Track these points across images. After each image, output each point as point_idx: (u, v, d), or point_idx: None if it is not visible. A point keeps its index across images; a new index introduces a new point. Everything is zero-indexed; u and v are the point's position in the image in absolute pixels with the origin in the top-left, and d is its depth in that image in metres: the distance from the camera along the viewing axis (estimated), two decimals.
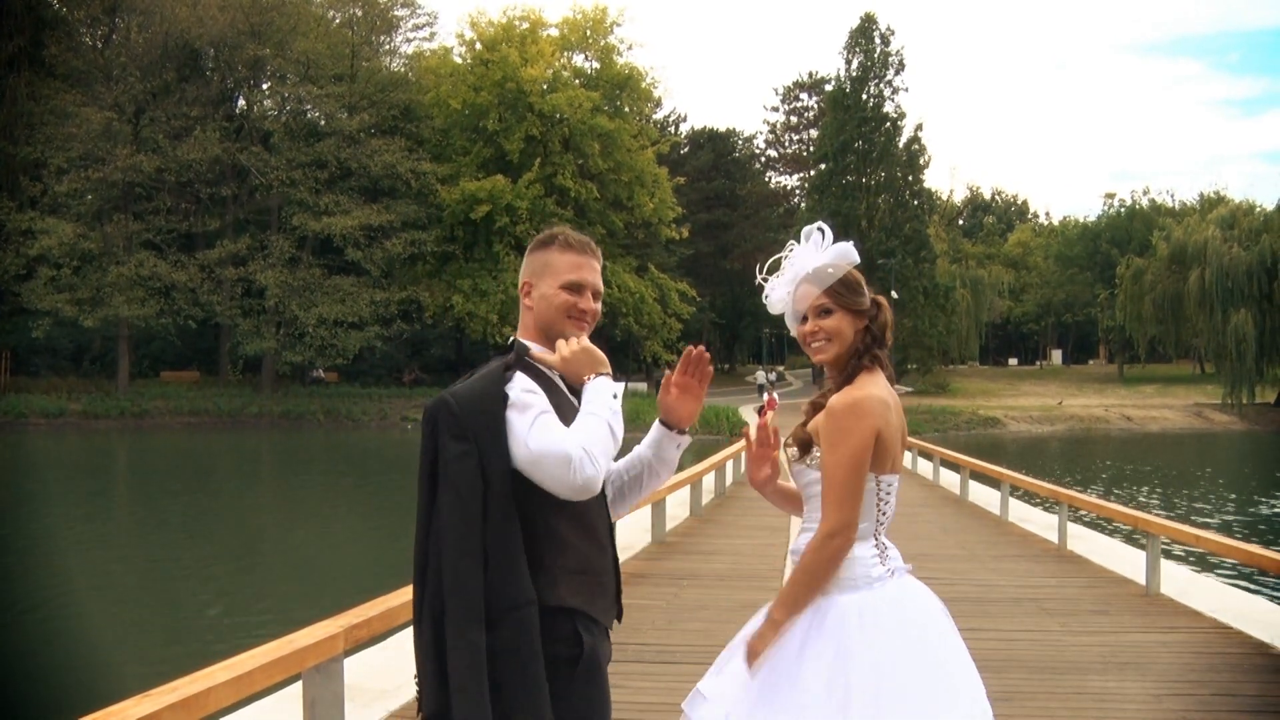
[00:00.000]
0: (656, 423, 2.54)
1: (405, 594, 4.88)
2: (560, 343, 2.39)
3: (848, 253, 2.67)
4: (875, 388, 2.54)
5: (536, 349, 2.41)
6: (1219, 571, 11.80)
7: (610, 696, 2.41)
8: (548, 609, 2.23)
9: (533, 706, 2.16)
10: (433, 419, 2.25)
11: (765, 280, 2.76)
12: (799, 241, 2.72)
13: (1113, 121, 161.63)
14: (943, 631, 2.53)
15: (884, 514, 2.57)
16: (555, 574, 2.27)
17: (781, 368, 75.83)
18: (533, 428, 2.19)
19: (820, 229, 2.69)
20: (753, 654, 2.52)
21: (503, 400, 2.22)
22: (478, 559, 2.18)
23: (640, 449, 2.57)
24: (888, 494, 2.57)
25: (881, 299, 2.71)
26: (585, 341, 2.39)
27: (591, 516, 2.38)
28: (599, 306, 2.50)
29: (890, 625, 2.44)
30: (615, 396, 2.28)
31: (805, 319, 2.67)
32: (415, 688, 2.34)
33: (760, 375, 62.38)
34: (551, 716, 2.18)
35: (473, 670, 2.14)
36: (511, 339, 2.47)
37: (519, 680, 2.16)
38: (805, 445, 2.64)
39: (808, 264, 2.66)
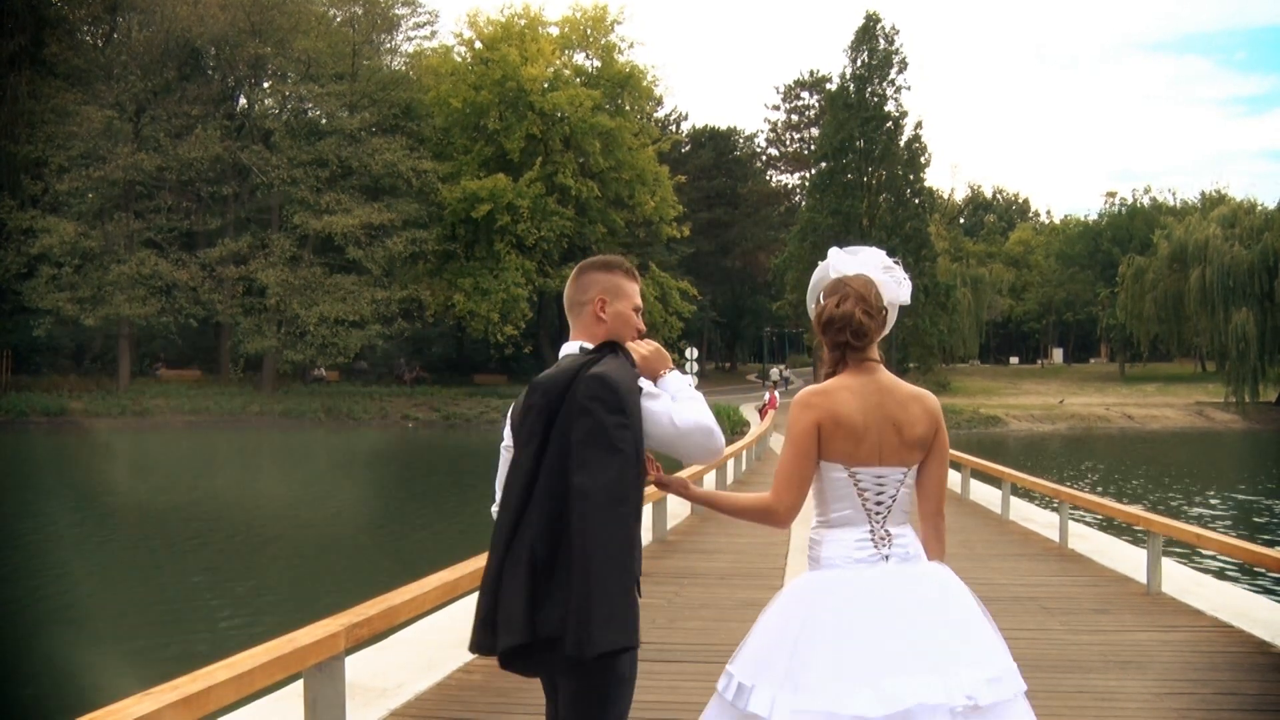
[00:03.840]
0: None
1: (406, 593, 4.88)
2: (632, 344, 2.76)
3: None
4: (830, 384, 2.74)
5: None
6: (1220, 569, 11.80)
7: None
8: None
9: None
10: (592, 393, 2.51)
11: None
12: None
13: (1116, 120, 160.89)
14: (954, 609, 2.62)
15: (876, 505, 2.69)
16: None
17: (782, 366, 75.86)
18: (675, 409, 2.59)
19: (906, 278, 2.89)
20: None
21: (639, 389, 2.60)
22: (630, 512, 2.51)
23: None
24: (873, 487, 2.69)
25: None
26: (655, 343, 2.75)
27: None
28: None
29: (869, 598, 2.57)
30: (690, 385, 2.61)
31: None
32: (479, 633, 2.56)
33: (775, 372, 62.73)
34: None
35: (633, 605, 2.46)
36: (603, 343, 2.76)
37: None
38: None
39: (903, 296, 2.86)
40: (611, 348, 2.68)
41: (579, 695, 2.58)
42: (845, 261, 2.83)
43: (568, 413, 2.51)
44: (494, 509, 2.77)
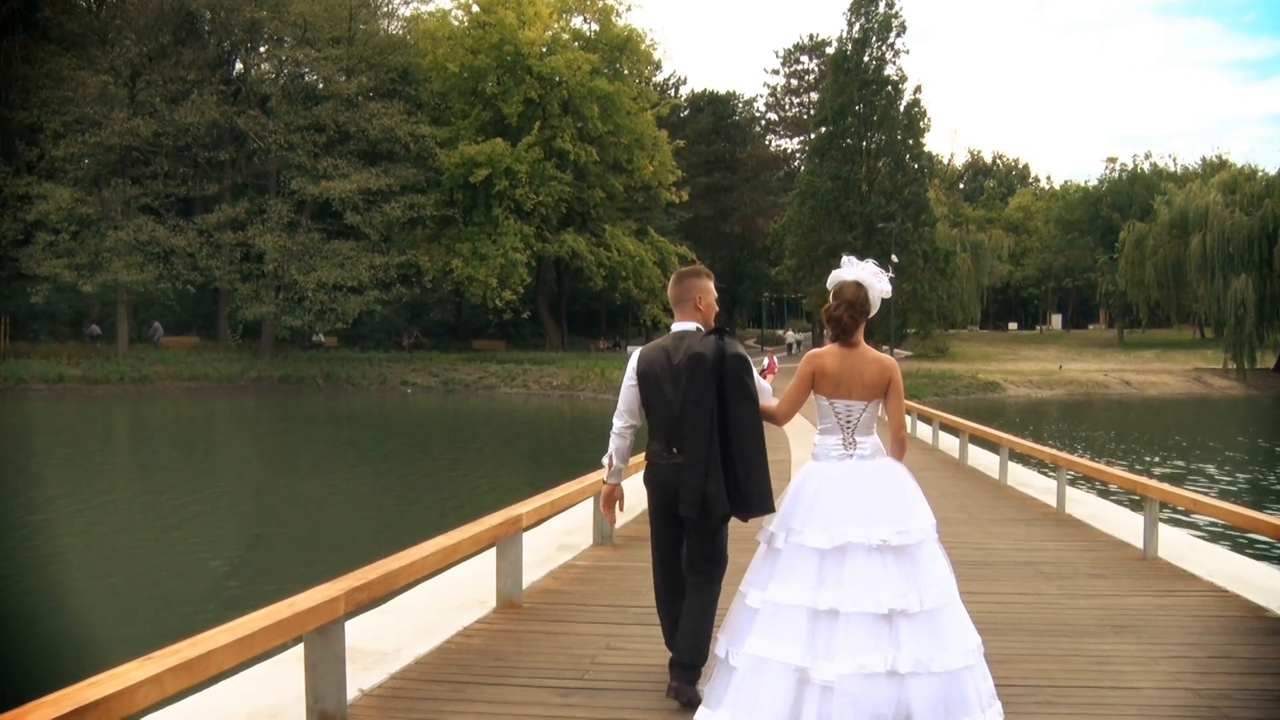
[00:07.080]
0: None
1: (405, 557, 4.91)
2: None
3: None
4: (825, 350, 4.39)
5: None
6: (1216, 534, 11.84)
7: None
8: None
9: None
10: (741, 361, 4.33)
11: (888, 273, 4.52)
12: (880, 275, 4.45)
13: (1118, 84, 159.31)
14: (887, 487, 4.16)
15: (846, 422, 4.28)
16: None
17: (784, 331, 75.85)
18: (756, 375, 4.45)
19: (892, 278, 4.63)
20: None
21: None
22: (763, 432, 4.42)
23: None
24: (844, 412, 4.28)
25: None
26: None
27: None
28: None
29: (834, 479, 4.19)
30: None
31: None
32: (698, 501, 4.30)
33: (790, 334, 63.04)
34: None
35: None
36: (718, 326, 4.55)
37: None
38: None
39: (885, 290, 4.42)
40: (720, 330, 4.41)
41: (719, 531, 4.50)
42: (846, 271, 4.38)
43: (726, 374, 4.25)
44: (615, 419, 4.66)
